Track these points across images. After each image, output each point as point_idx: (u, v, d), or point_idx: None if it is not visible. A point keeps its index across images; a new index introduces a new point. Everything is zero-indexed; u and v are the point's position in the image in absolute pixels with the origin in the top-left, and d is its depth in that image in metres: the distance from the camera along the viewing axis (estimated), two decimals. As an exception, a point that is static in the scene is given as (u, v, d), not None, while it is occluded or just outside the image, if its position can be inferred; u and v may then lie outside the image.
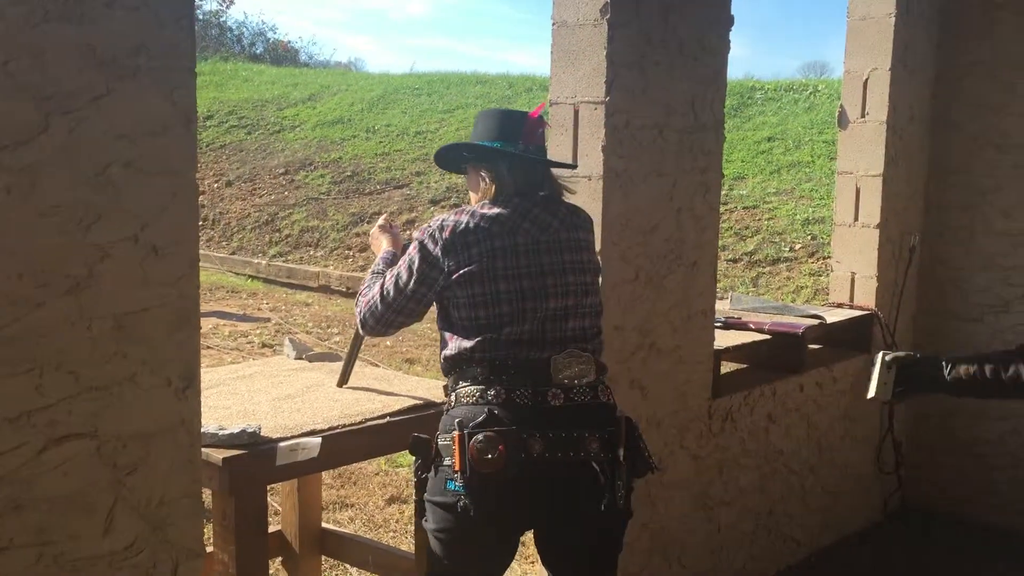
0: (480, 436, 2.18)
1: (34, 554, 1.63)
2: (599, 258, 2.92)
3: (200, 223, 2.04)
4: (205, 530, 2.35)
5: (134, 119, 1.66)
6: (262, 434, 2.37)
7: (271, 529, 3.13)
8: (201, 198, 11.67)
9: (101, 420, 1.68)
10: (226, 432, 2.31)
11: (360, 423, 2.58)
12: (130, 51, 1.64)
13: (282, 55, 23.94)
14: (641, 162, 3.04)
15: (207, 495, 2.78)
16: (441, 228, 2.32)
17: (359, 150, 13.17)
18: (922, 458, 4.68)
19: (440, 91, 15.07)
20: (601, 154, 2.92)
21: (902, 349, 4.38)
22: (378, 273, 2.53)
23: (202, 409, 1.86)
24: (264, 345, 7.55)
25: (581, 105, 2.96)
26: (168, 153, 1.72)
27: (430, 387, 2.92)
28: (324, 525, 3.37)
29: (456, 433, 2.20)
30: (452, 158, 2.55)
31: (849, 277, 4.42)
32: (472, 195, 2.50)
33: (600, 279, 2.50)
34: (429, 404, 2.73)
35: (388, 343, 7.64)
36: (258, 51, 24.05)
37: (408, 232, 2.46)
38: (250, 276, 11.10)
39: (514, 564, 3.60)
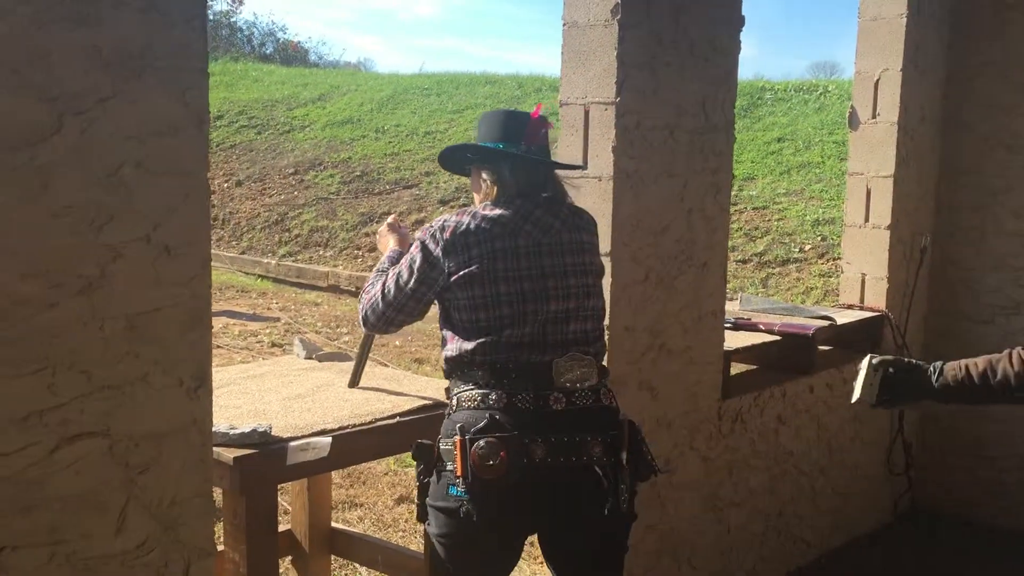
0: (482, 442, 2.17)
1: (46, 553, 1.63)
2: (607, 259, 2.93)
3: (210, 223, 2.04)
4: (216, 529, 2.36)
5: (146, 120, 1.67)
6: (273, 434, 2.38)
7: (281, 528, 3.13)
8: (211, 198, 11.69)
9: (113, 419, 1.68)
10: (237, 431, 2.31)
11: (370, 423, 2.59)
12: (139, 52, 1.64)
13: (292, 55, 23.99)
14: (652, 163, 3.03)
15: (217, 494, 2.79)
16: (442, 228, 2.32)
17: (368, 150, 13.18)
18: (931, 460, 4.66)
19: (449, 91, 15.07)
20: (612, 155, 2.91)
21: (913, 351, 4.38)
22: (382, 271, 2.53)
23: (213, 408, 1.87)
24: (274, 344, 7.57)
25: (592, 106, 2.96)
26: (180, 154, 1.72)
27: (439, 387, 2.91)
28: (333, 524, 3.37)
29: (458, 438, 2.19)
30: (456, 159, 2.55)
31: (859, 278, 4.41)
32: (476, 196, 2.49)
33: (602, 281, 2.48)
34: (438, 404, 2.73)
35: (397, 343, 7.65)
36: (268, 51, 24.11)
37: (416, 232, 2.46)
38: (260, 276, 11.12)
39: (523, 564, 3.60)
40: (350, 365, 3.01)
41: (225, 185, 13.09)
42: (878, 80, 4.26)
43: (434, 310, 2.45)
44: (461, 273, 2.28)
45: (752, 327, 3.87)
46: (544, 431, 2.22)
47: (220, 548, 2.37)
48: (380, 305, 2.42)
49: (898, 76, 4.20)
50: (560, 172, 2.53)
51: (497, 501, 2.18)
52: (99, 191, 1.63)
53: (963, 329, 4.51)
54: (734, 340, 3.65)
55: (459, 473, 2.18)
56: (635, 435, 2.34)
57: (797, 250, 8.91)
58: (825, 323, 4.00)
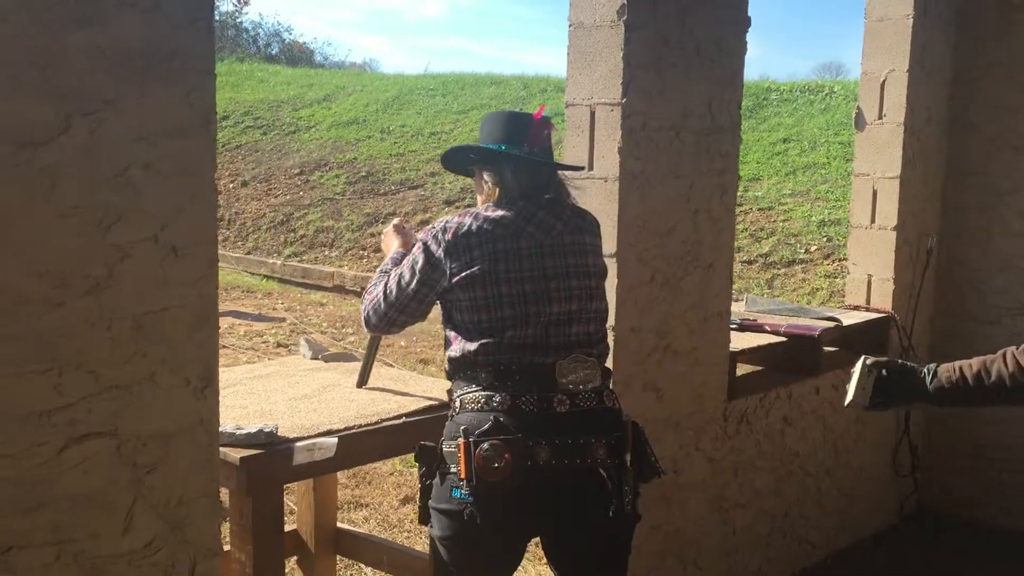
0: (486, 445, 2.16)
1: (54, 552, 1.64)
2: (613, 260, 2.93)
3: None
4: (222, 529, 2.36)
5: (155, 121, 1.67)
6: (279, 434, 2.38)
7: (286, 528, 3.14)
8: (217, 198, 11.70)
9: (121, 419, 1.69)
10: (243, 432, 2.31)
11: (376, 423, 2.59)
12: (151, 53, 1.65)
13: (297, 56, 24.01)
14: (658, 164, 3.03)
15: (224, 494, 2.79)
16: (444, 229, 2.31)
17: (374, 151, 13.19)
18: (937, 461, 4.66)
19: (455, 92, 15.08)
20: (618, 156, 2.91)
21: (920, 352, 4.37)
22: (385, 272, 2.52)
23: (219, 409, 1.87)
24: (279, 345, 7.58)
25: (598, 107, 2.96)
26: (187, 154, 1.73)
27: (444, 388, 2.90)
28: (339, 525, 3.37)
29: (461, 441, 2.19)
30: (459, 160, 2.55)
31: (866, 279, 4.41)
32: (479, 197, 2.49)
33: (605, 283, 2.47)
34: (444, 405, 2.73)
35: (402, 343, 7.65)
36: (274, 52, 24.13)
37: (419, 233, 2.46)
38: (265, 276, 11.14)
39: (527, 564, 3.60)
40: (356, 365, 3.01)
41: (231, 185, 13.11)
42: (884, 81, 4.26)
43: (438, 311, 2.45)
44: (463, 274, 2.28)
45: (758, 328, 3.87)
46: (548, 433, 2.21)
47: (226, 548, 2.38)
48: (382, 306, 2.42)
49: (904, 77, 4.20)
50: (565, 173, 2.52)
51: (501, 503, 2.18)
52: (107, 191, 1.63)
53: (969, 330, 4.51)
54: (740, 341, 3.64)
55: (463, 475, 2.17)
56: (639, 436, 2.34)
57: (803, 251, 8.90)
58: (831, 324, 3.99)
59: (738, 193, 3.40)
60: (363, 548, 3.31)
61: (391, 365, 3.12)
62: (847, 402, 2.36)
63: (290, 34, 25.97)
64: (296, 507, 3.40)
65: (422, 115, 14.21)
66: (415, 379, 3.11)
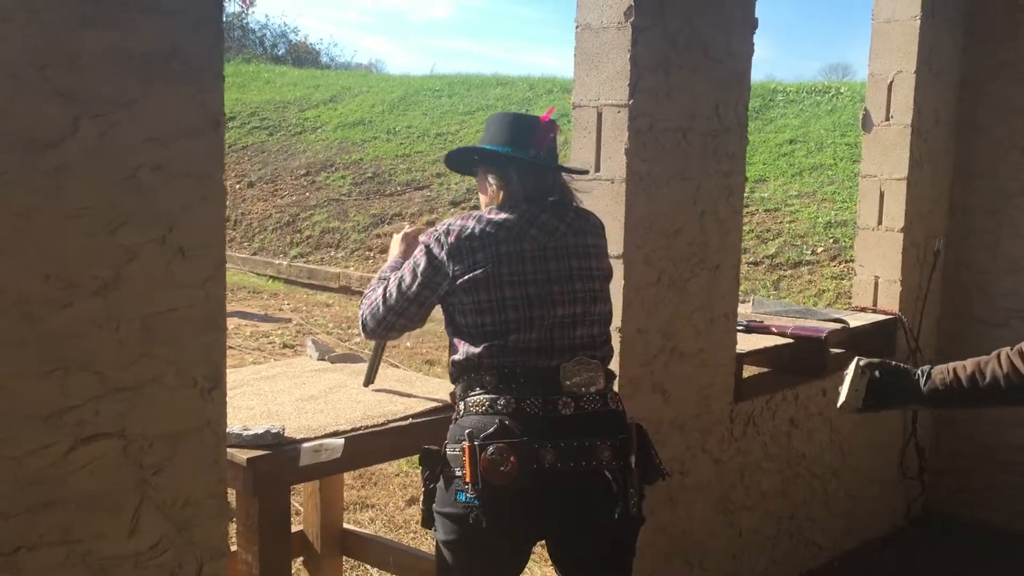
0: (491, 448, 2.15)
1: (62, 553, 1.64)
2: (619, 261, 2.93)
3: (223, 224, 2.06)
4: (228, 530, 2.36)
5: (163, 122, 1.67)
6: (286, 435, 2.38)
7: (293, 529, 3.14)
8: (223, 199, 11.72)
9: (128, 420, 1.69)
10: (250, 433, 2.32)
11: (382, 424, 2.59)
12: (163, 55, 1.65)
13: (303, 57, 24.04)
14: (664, 165, 3.03)
15: (231, 495, 2.80)
16: (447, 232, 2.30)
17: (380, 151, 13.20)
18: (945, 463, 4.65)
19: (461, 93, 15.09)
20: (624, 157, 2.91)
21: (927, 354, 4.36)
22: (383, 279, 2.51)
23: (227, 410, 1.87)
24: (285, 346, 7.58)
25: (604, 108, 2.95)
26: (196, 156, 1.73)
27: (451, 389, 2.92)
28: (345, 526, 3.38)
29: (466, 444, 2.18)
30: (463, 160, 2.54)
31: (872, 281, 4.40)
32: (482, 197, 2.48)
33: (610, 285, 2.47)
34: (450, 406, 2.73)
35: (408, 344, 7.65)
36: (280, 53, 24.16)
37: (421, 236, 2.45)
38: (271, 277, 11.15)
39: (532, 566, 3.60)
40: (362, 367, 3.01)
41: (237, 186, 13.13)
42: (892, 82, 4.25)
43: (439, 312, 2.44)
44: (466, 277, 2.27)
45: (764, 330, 3.87)
46: (553, 436, 2.21)
47: (233, 549, 2.38)
48: (380, 310, 2.41)
49: (912, 78, 4.19)
50: (570, 175, 2.52)
51: (507, 507, 2.17)
52: (115, 193, 1.63)
53: (977, 333, 4.49)
54: (746, 343, 3.64)
55: (468, 479, 2.16)
56: (643, 438, 2.34)
57: (809, 252, 8.88)
58: (838, 326, 3.98)
59: (744, 194, 3.40)
60: (369, 549, 3.31)
61: (397, 366, 3.13)
62: (840, 404, 2.33)
63: (296, 35, 25.99)
64: (302, 508, 3.40)
65: (428, 116, 14.21)
66: (421, 380, 3.11)
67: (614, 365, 2.54)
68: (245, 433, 2.31)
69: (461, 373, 2.32)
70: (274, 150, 14.05)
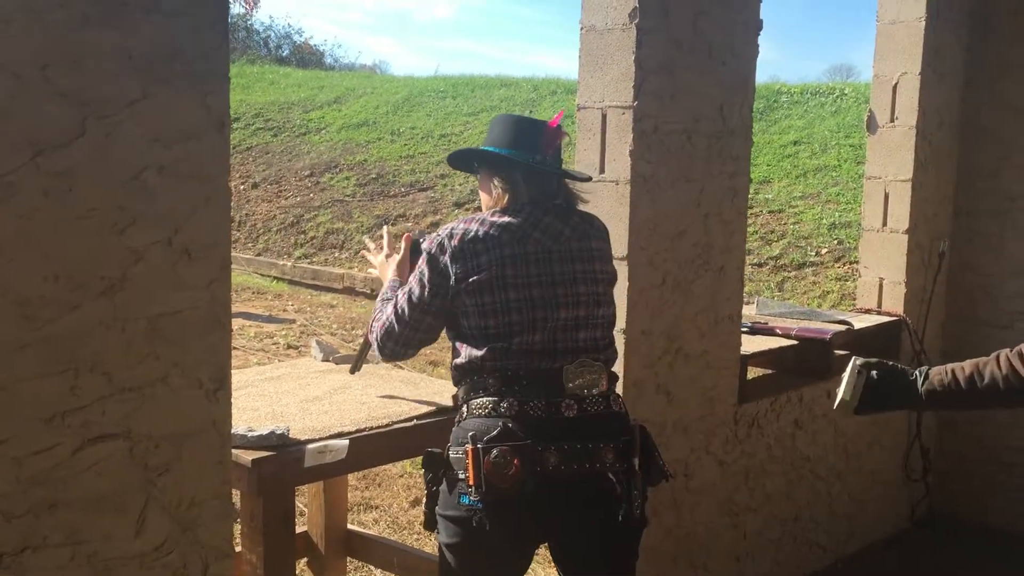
0: (495, 451, 2.15)
1: (68, 553, 1.65)
2: (624, 263, 2.93)
3: (227, 225, 2.06)
4: (233, 530, 2.37)
5: (169, 124, 1.68)
6: (290, 436, 2.39)
7: (297, 530, 3.14)
8: (227, 200, 11.74)
9: (134, 421, 1.69)
10: (255, 434, 2.32)
11: (387, 425, 2.59)
12: (167, 57, 1.66)
13: (308, 58, 24.07)
14: (669, 167, 3.03)
15: (235, 496, 2.80)
16: (450, 236, 2.30)
17: (384, 153, 13.21)
18: (949, 466, 4.64)
19: (465, 94, 15.10)
20: (629, 159, 2.91)
21: (932, 356, 4.36)
22: (387, 300, 2.50)
23: (231, 410, 1.87)
24: (289, 346, 7.59)
25: (609, 110, 2.95)
26: (201, 157, 1.74)
27: (454, 391, 2.92)
28: (349, 526, 3.38)
29: (469, 447, 2.17)
30: (466, 159, 2.54)
31: (877, 283, 4.39)
32: (483, 197, 2.47)
33: (614, 288, 2.47)
34: (454, 408, 2.73)
35: (412, 345, 7.65)
36: (284, 54, 24.19)
37: (423, 244, 2.42)
38: (275, 278, 11.16)
39: (536, 567, 3.60)
40: (367, 368, 3.02)
41: (241, 187, 13.14)
42: (896, 84, 4.25)
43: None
44: (470, 280, 2.26)
45: (769, 331, 3.86)
46: (557, 438, 2.20)
47: (237, 549, 2.38)
48: (396, 328, 2.39)
49: (917, 80, 4.19)
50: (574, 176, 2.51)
51: (510, 510, 2.16)
52: (122, 194, 1.64)
53: (982, 335, 4.49)
54: (751, 344, 3.64)
55: (472, 482, 2.16)
56: (646, 440, 2.34)
57: (813, 254, 8.88)
58: (842, 328, 3.98)
59: (748, 195, 3.40)
60: (373, 550, 3.31)
61: (401, 367, 3.12)
62: (836, 404, 2.31)
63: (300, 36, 26.04)
64: (307, 509, 3.41)
65: (432, 117, 14.22)
66: (425, 381, 3.11)
67: (618, 367, 2.54)
68: (250, 434, 2.31)
69: (464, 376, 2.32)
70: (278, 151, 14.06)
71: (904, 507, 4.54)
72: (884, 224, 4.34)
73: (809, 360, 3.85)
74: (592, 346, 2.33)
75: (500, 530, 2.17)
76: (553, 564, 2.44)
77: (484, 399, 2.25)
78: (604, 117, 2.97)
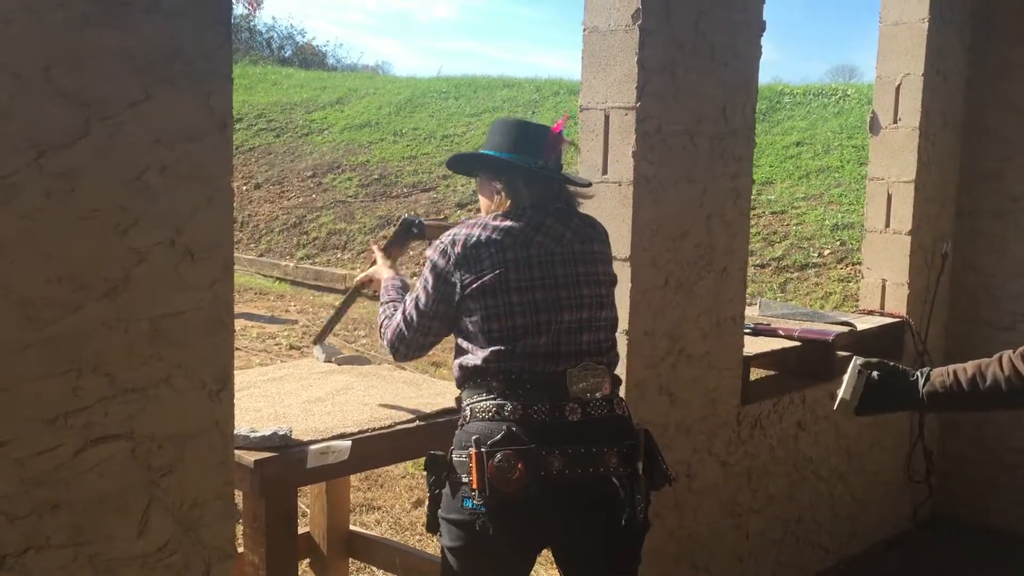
0: (499, 455, 2.15)
1: (70, 554, 1.65)
2: (626, 264, 2.93)
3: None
4: (235, 531, 2.37)
5: (171, 124, 1.68)
6: (293, 437, 2.39)
7: (299, 531, 3.14)
8: (230, 200, 11.76)
9: (137, 422, 1.69)
10: (258, 434, 2.32)
11: (389, 427, 2.59)
12: (168, 57, 1.66)
13: (310, 58, 24.08)
14: (672, 168, 3.03)
15: (238, 496, 2.80)
16: (453, 243, 2.30)
17: (386, 153, 13.22)
18: (952, 467, 4.63)
19: (467, 95, 15.10)
20: (632, 160, 2.91)
21: (934, 357, 4.35)
22: (391, 301, 2.52)
23: (234, 411, 1.87)
24: (291, 347, 7.59)
25: (612, 111, 2.95)
26: (204, 158, 1.74)
27: (458, 392, 2.91)
28: (351, 527, 3.38)
29: (473, 450, 2.17)
30: (466, 162, 2.54)
31: (880, 284, 4.39)
32: (483, 201, 2.47)
33: (615, 291, 2.46)
34: (456, 409, 2.73)
35: (415, 346, 7.65)
36: (287, 55, 24.20)
37: (427, 251, 2.44)
38: (278, 278, 11.17)
39: (539, 569, 3.60)
40: (370, 368, 3.02)
41: (244, 188, 13.15)
42: (899, 85, 4.24)
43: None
44: (474, 285, 2.27)
45: (772, 332, 3.86)
46: (561, 442, 2.20)
47: (240, 550, 2.38)
48: (407, 333, 2.40)
49: (920, 81, 4.18)
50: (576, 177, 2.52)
51: (514, 514, 2.16)
52: (124, 195, 1.64)
53: (984, 336, 4.48)
54: (753, 345, 3.64)
55: (475, 486, 2.16)
56: (650, 444, 2.33)
57: (816, 255, 8.87)
58: (845, 329, 3.98)
59: (751, 196, 3.39)
60: (375, 551, 3.31)
61: (403, 368, 3.12)
62: (836, 404, 2.29)
63: (303, 37, 26.04)
64: (309, 509, 3.41)
65: (435, 118, 14.23)
66: (428, 382, 3.11)
67: (621, 367, 2.54)
68: (252, 435, 2.31)
69: (467, 378, 2.32)
70: (281, 152, 14.07)
71: (906, 508, 4.53)
72: (887, 225, 4.33)
73: (812, 361, 3.85)
74: (595, 349, 2.33)
75: (503, 534, 2.16)
76: (556, 567, 2.44)
77: (487, 402, 2.25)
78: (607, 118, 2.97)
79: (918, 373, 2.26)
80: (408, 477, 4.81)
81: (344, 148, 13.69)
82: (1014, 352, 2.15)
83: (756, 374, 3.81)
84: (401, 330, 2.41)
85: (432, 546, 3.91)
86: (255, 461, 2.26)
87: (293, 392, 2.85)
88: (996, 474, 4.52)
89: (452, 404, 2.74)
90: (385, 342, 2.47)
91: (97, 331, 1.63)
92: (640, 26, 2.86)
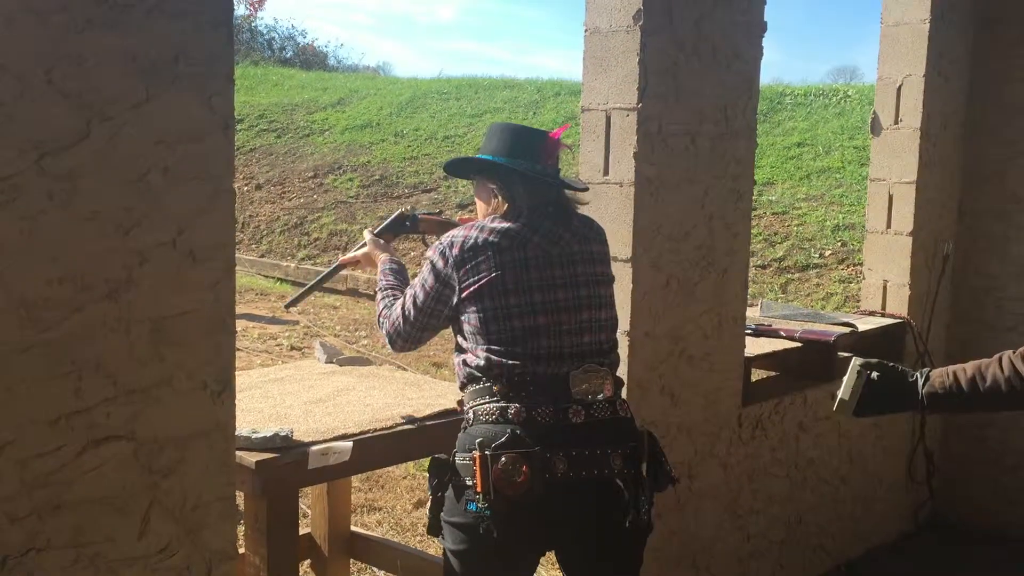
0: (503, 458, 2.14)
1: (72, 555, 1.65)
2: (627, 265, 2.93)
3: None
4: (237, 532, 2.37)
5: (173, 125, 1.68)
6: (294, 438, 2.39)
7: (300, 532, 3.14)
8: (231, 201, 11.75)
9: (138, 423, 1.69)
10: (259, 435, 2.32)
11: (391, 427, 2.59)
12: (170, 58, 1.66)
13: (311, 59, 24.08)
14: (673, 169, 3.03)
15: (239, 498, 2.80)
16: (451, 245, 2.31)
17: (387, 154, 13.22)
18: (954, 469, 4.63)
19: (468, 96, 15.10)
20: (633, 161, 2.91)
21: (936, 358, 4.35)
22: (390, 287, 2.55)
23: (235, 412, 1.87)
24: (293, 348, 7.59)
25: (613, 111, 2.95)
26: (206, 159, 1.74)
27: (458, 392, 2.91)
28: (353, 528, 3.38)
29: (477, 454, 2.17)
30: (464, 165, 2.54)
31: (881, 285, 4.39)
32: (480, 205, 2.47)
33: (614, 290, 2.46)
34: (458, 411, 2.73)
35: (416, 347, 7.64)
36: (288, 55, 24.21)
37: (428, 251, 2.45)
38: (279, 279, 11.17)
39: (541, 570, 3.60)
40: (371, 369, 3.02)
41: (245, 188, 13.16)
42: (901, 86, 4.24)
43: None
44: (472, 287, 2.27)
45: (773, 333, 3.86)
46: (565, 445, 2.20)
47: (241, 551, 2.38)
48: (403, 327, 2.43)
49: (921, 82, 4.18)
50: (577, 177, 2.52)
51: (518, 517, 2.16)
52: (126, 196, 1.64)
53: (986, 337, 4.48)
54: (754, 346, 3.63)
55: (479, 489, 2.15)
56: (654, 446, 2.33)
57: (817, 256, 8.87)
58: (846, 330, 3.97)
59: (752, 197, 3.39)
60: (376, 552, 3.31)
61: (404, 368, 3.12)
62: (835, 405, 2.28)
63: (304, 38, 26.05)
64: (310, 510, 3.41)
65: (436, 119, 14.23)
66: (429, 383, 3.11)
67: (622, 368, 2.54)
68: (254, 436, 2.31)
69: (469, 381, 2.32)
70: (282, 152, 14.08)
71: (908, 510, 4.53)
72: (888, 226, 4.33)
73: (813, 362, 3.85)
74: (597, 349, 2.33)
75: (507, 537, 2.16)
76: (558, 568, 2.43)
77: (490, 404, 2.25)
78: (608, 119, 2.97)
79: (918, 374, 2.25)
80: (409, 478, 4.81)
81: (345, 149, 13.69)
82: (1014, 353, 2.14)
83: (757, 375, 3.81)
84: (398, 324, 2.43)
85: (433, 547, 3.91)
86: (256, 462, 2.26)
87: (294, 393, 2.85)
88: (997, 476, 4.52)
89: (453, 406, 2.74)
90: (383, 331, 2.50)
91: (99, 332, 1.63)
92: (641, 27, 2.86)
